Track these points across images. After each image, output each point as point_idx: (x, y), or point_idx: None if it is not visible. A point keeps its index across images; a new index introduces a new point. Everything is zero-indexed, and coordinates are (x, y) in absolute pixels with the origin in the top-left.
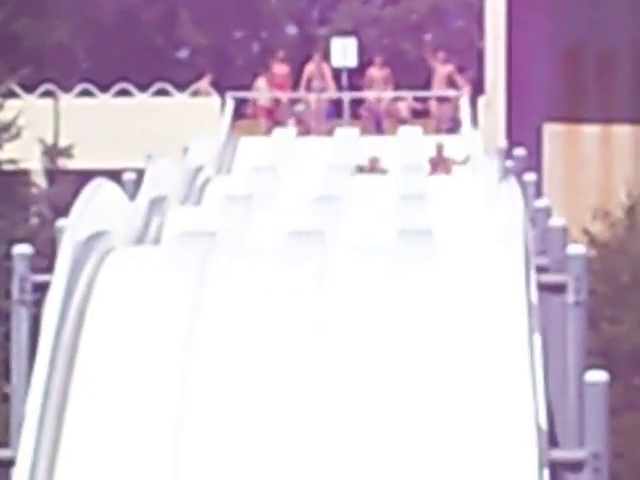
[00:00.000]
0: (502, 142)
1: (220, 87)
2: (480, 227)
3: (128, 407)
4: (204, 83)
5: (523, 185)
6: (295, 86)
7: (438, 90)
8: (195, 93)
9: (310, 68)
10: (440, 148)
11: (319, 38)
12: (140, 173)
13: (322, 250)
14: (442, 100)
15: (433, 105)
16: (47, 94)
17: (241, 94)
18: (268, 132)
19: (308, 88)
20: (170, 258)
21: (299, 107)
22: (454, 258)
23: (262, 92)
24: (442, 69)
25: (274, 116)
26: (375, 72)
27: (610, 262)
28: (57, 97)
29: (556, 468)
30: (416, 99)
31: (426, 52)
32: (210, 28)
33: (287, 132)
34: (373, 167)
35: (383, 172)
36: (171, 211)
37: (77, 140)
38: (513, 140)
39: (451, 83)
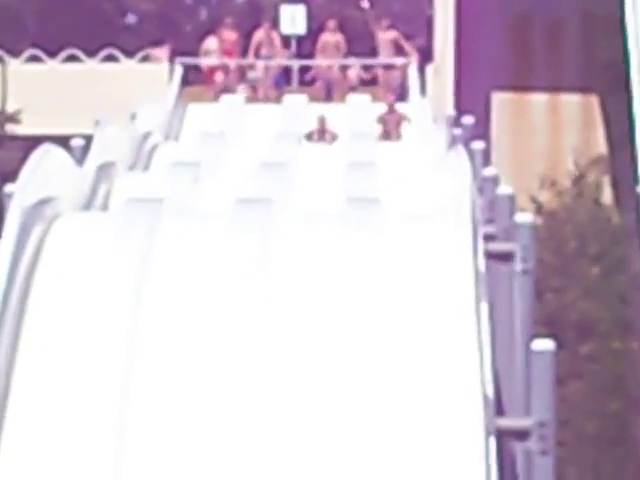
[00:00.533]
0: (450, 110)
1: (169, 53)
2: (428, 195)
3: (75, 376)
4: (162, 52)
5: (471, 153)
6: (244, 53)
7: (384, 57)
8: (145, 59)
9: (259, 35)
10: (391, 106)
11: (267, 5)
12: (88, 139)
13: (269, 217)
14: (389, 68)
15: (380, 73)
16: None
17: (190, 60)
18: (216, 99)
19: (257, 56)
20: (118, 224)
21: (252, 75)
22: (401, 225)
23: (211, 55)
24: (384, 36)
25: (223, 81)
26: (328, 37)
27: (557, 231)
28: (5, 62)
29: (503, 436)
30: (364, 67)
31: (369, 19)
32: None
33: (235, 99)
34: (322, 127)
35: (332, 136)
36: (119, 177)
37: (25, 106)
38: (461, 108)
39: (397, 50)
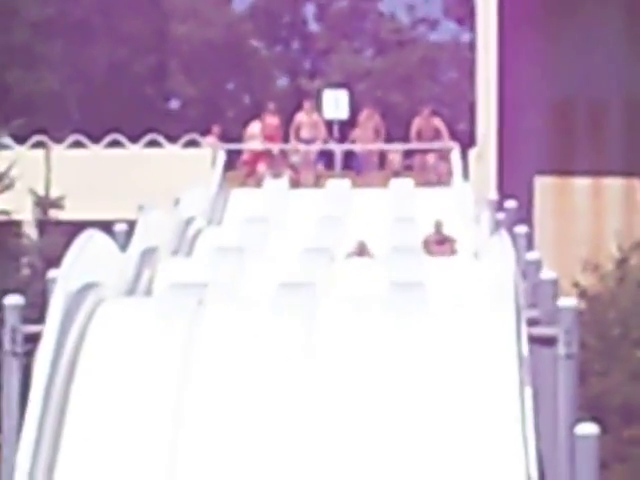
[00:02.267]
0: (493, 194)
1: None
2: (472, 280)
3: (120, 458)
4: (212, 138)
5: (514, 237)
6: (286, 137)
7: (426, 143)
8: (190, 144)
9: (300, 117)
10: (439, 226)
11: (310, 90)
12: (132, 224)
13: (313, 301)
14: (426, 153)
15: (419, 158)
16: (39, 145)
17: (233, 146)
18: (259, 184)
19: (297, 137)
20: (162, 309)
21: (295, 158)
22: (446, 310)
23: (254, 141)
24: (426, 122)
25: (267, 166)
26: (362, 122)
27: (600, 315)
28: (49, 148)
29: None
30: (404, 153)
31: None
32: (201, 79)
33: (278, 183)
34: (361, 252)
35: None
36: (162, 262)
37: (68, 191)
38: (504, 192)
39: (437, 136)
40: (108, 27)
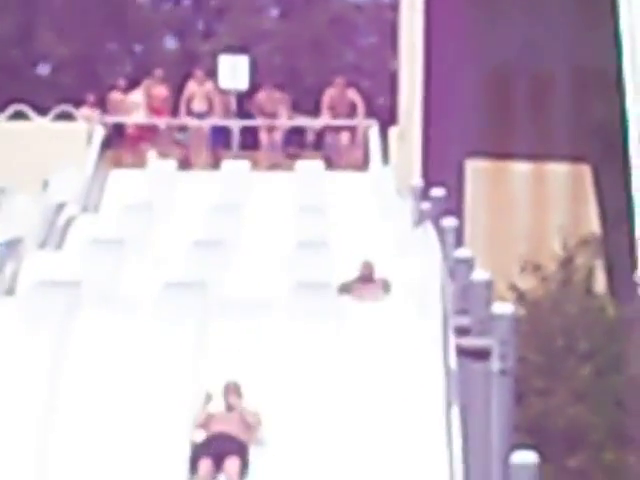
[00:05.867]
0: (417, 181)
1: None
2: (390, 281)
3: None
4: (87, 110)
5: (441, 231)
6: (175, 109)
7: (340, 118)
8: (62, 116)
9: (191, 86)
10: (369, 267)
11: (203, 54)
12: None
13: (204, 303)
14: (337, 130)
15: (331, 136)
16: None
17: (113, 118)
18: (143, 164)
19: (188, 111)
20: (26, 311)
21: (180, 135)
22: (363, 318)
23: (137, 113)
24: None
25: (152, 143)
26: (263, 97)
27: (541, 324)
28: None
29: None
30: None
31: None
32: (75, 39)
33: (165, 165)
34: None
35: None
36: (28, 256)
37: None
38: (430, 178)
39: (352, 110)
40: None
